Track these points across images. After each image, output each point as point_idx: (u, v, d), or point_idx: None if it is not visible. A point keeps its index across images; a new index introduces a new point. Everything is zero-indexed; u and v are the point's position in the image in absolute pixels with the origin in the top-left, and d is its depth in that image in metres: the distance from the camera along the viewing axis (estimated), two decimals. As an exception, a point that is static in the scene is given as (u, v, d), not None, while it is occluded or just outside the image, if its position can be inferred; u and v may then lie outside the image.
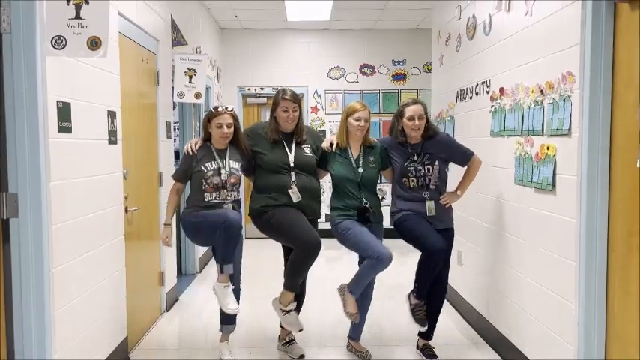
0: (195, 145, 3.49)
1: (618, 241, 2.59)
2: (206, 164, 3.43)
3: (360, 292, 3.48)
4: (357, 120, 3.48)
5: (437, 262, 3.42)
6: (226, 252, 3.38)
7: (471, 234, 4.38)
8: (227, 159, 3.47)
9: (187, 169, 3.49)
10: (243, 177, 3.66)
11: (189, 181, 3.54)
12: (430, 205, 3.47)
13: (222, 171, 3.43)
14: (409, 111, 3.46)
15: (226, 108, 3.51)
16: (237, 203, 3.56)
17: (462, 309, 4.60)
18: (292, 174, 3.47)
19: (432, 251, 3.38)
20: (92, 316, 3.12)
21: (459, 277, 4.70)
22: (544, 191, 3.05)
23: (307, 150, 3.57)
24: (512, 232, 3.53)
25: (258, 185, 3.58)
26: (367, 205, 3.46)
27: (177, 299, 5.00)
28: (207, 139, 3.52)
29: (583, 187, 2.66)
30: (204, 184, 3.42)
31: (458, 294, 4.69)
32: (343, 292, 3.52)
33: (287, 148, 3.51)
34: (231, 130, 3.45)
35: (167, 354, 3.86)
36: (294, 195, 3.44)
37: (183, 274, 5.82)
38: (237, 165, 3.50)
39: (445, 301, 4.89)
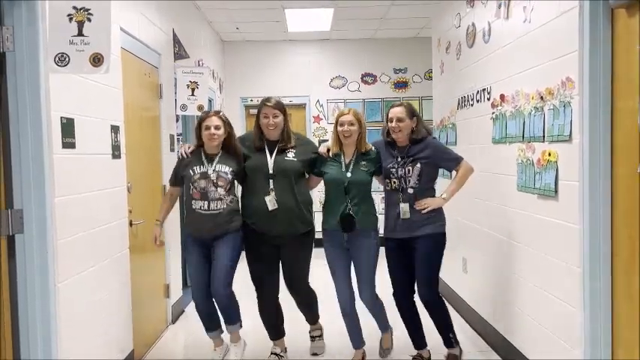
0: (189, 149, 3.55)
1: (622, 246, 2.58)
2: (194, 167, 3.46)
3: (385, 326, 3.78)
4: (341, 125, 3.50)
5: (398, 302, 3.60)
6: (225, 318, 3.62)
7: (475, 241, 4.37)
8: (215, 162, 3.47)
9: (177, 173, 3.58)
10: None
11: (184, 186, 3.59)
12: (404, 207, 3.43)
13: (209, 173, 3.43)
14: (390, 113, 3.52)
15: (216, 111, 3.60)
16: (230, 211, 3.49)
17: (468, 316, 4.58)
18: (271, 180, 3.47)
19: (397, 293, 3.59)
20: (98, 329, 3.13)
21: (464, 284, 4.69)
22: (547, 197, 3.05)
23: (290, 155, 3.54)
24: (516, 238, 3.53)
25: (243, 195, 3.63)
26: (350, 212, 3.42)
27: (183, 311, 5.00)
28: (200, 144, 3.56)
29: (585, 193, 2.66)
30: (191, 187, 3.45)
31: (463, 301, 4.68)
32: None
33: (268, 155, 3.52)
34: (220, 132, 3.46)
35: (173, 367, 3.87)
36: (270, 203, 3.44)
37: (189, 286, 5.78)
38: (227, 169, 3.47)
39: (450, 308, 4.91)
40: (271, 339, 3.81)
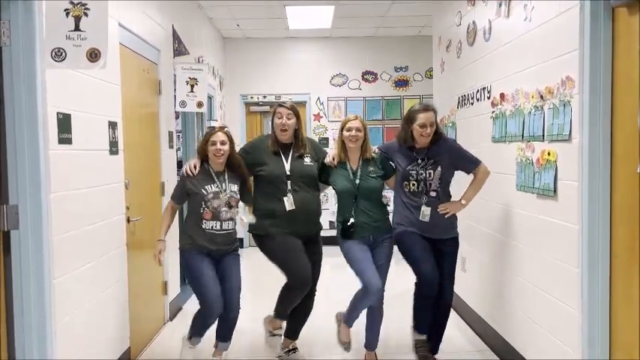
0: (195, 168, 3.44)
1: (621, 247, 2.57)
2: (206, 186, 3.39)
3: (353, 322, 3.57)
4: (348, 130, 3.48)
5: (430, 292, 3.43)
6: (225, 335, 3.53)
7: (474, 240, 4.36)
8: (226, 181, 3.44)
9: (183, 191, 3.46)
10: None
11: (187, 202, 3.49)
12: (424, 210, 3.42)
13: (222, 194, 3.39)
14: (421, 118, 3.42)
15: (221, 127, 3.57)
16: (232, 234, 3.49)
17: (465, 316, 4.57)
18: (288, 182, 3.48)
19: (424, 279, 3.41)
20: (94, 326, 3.12)
21: (463, 283, 4.67)
22: (546, 197, 3.04)
23: (307, 159, 3.58)
24: (515, 238, 3.52)
25: (256, 202, 3.58)
26: (351, 222, 3.44)
27: (181, 309, 4.99)
28: (203, 159, 3.49)
29: (584, 193, 2.65)
30: (203, 206, 3.36)
31: (462, 300, 4.67)
32: (339, 321, 3.65)
33: (284, 159, 3.53)
34: (225, 147, 3.41)
35: (170, 364, 3.85)
36: (289, 203, 3.44)
37: (187, 284, 5.79)
38: (236, 188, 3.48)
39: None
40: (286, 336, 3.78)
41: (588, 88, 2.61)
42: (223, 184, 3.43)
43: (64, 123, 2.77)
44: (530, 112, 3.23)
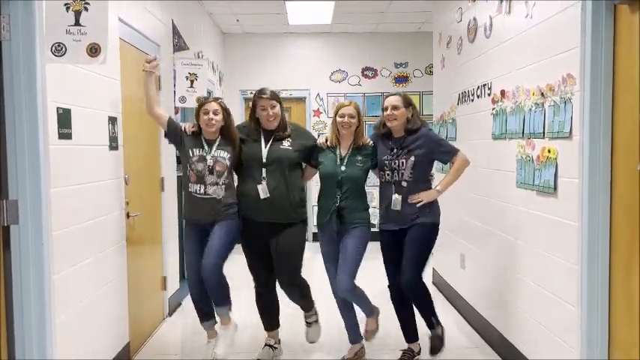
0: (192, 127, 3.50)
1: (620, 244, 2.57)
2: (193, 149, 3.43)
3: (368, 309, 3.63)
4: (341, 116, 3.49)
5: (394, 298, 3.58)
6: (214, 300, 3.49)
7: (474, 237, 4.36)
8: (214, 147, 3.44)
9: (177, 128, 3.52)
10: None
11: (181, 162, 3.57)
12: (396, 199, 3.42)
13: (208, 157, 3.40)
14: (385, 102, 3.50)
15: (216, 98, 3.58)
16: (228, 190, 3.45)
17: (465, 312, 4.58)
18: (263, 169, 3.45)
19: (391, 285, 3.59)
20: (93, 321, 3.12)
21: (462, 280, 4.69)
22: (546, 194, 3.04)
23: (285, 144, 3.53)
24: (515, 235, 3.52)
25: (238, 185, 3.60)
26: (340, 207, 3.45)
27: (180, 304, 4.99)
28: (199, 129, 3.50)
29: (585, 190, 2.65)
30: (188, 168, 3.43)
31: (461, 297, 4.68)
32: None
33: (264, 145, 3.50)
34: (218, 117, 3.42)
35: None
36: (262, 191, 3.42)
37: (186, 279, 5.79)
38: (225, 154, 3.44)
39: (449, 304, 4.91)
40: (265, 330, 3.78)
41: (589, 86, 2.61)
42: (210, 149, 3.44)
43: (64, 118, 2.76)
44: (530, 109, 3.22)
